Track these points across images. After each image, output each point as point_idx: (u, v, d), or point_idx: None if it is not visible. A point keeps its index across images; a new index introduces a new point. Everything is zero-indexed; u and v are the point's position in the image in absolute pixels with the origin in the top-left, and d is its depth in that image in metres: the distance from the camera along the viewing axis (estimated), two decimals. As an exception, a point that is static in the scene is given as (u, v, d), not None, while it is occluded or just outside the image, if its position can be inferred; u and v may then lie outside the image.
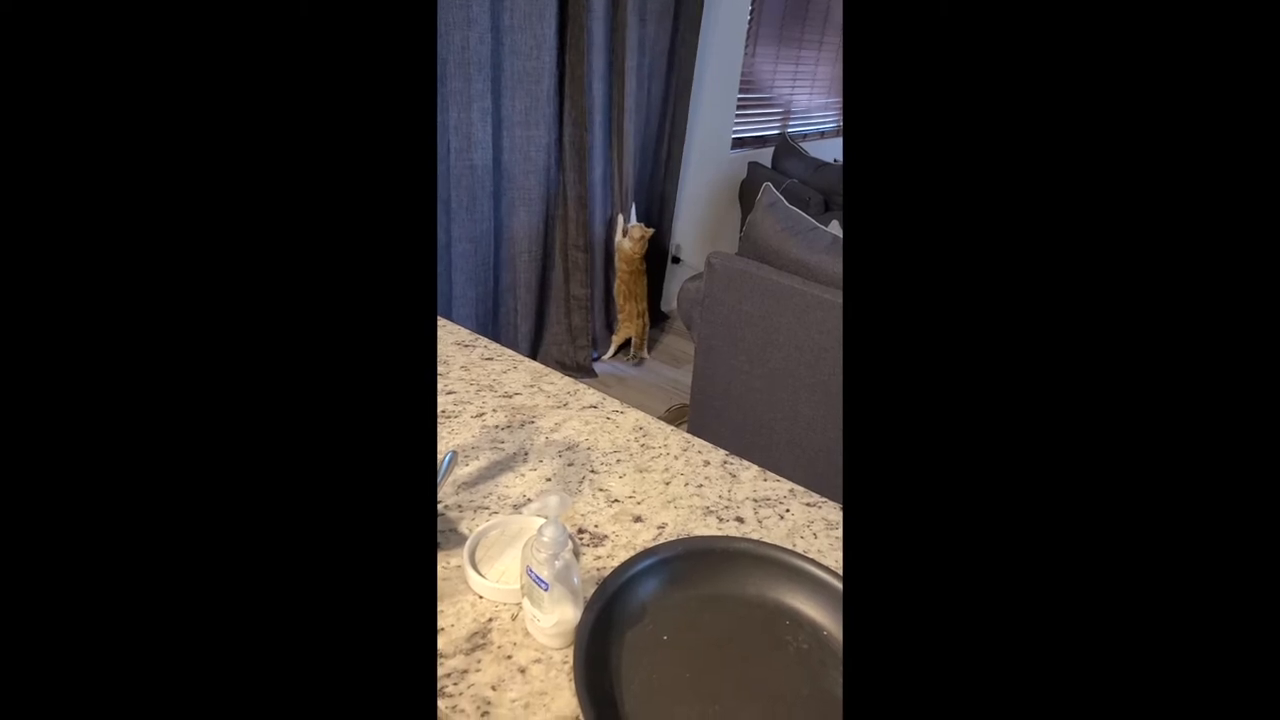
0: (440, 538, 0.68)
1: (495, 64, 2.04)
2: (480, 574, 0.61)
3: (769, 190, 1.61)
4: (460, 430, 0.86)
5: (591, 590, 0.58)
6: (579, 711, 0.51)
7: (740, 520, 0.75)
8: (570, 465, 0.82)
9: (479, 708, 0.52)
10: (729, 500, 0.78)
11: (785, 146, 3.28)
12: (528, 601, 0.57)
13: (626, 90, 2.41)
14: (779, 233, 1.54)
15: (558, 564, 0.54)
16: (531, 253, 2.41)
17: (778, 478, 0.83)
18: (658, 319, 3.12)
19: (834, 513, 0.78)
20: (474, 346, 1.08)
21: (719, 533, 0.73)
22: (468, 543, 0.64)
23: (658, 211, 2.94)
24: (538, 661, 0.56)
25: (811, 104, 3.85)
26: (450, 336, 1.11)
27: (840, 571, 0.64)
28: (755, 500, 0.79)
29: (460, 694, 0.52)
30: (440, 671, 0.54)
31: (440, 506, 0.72)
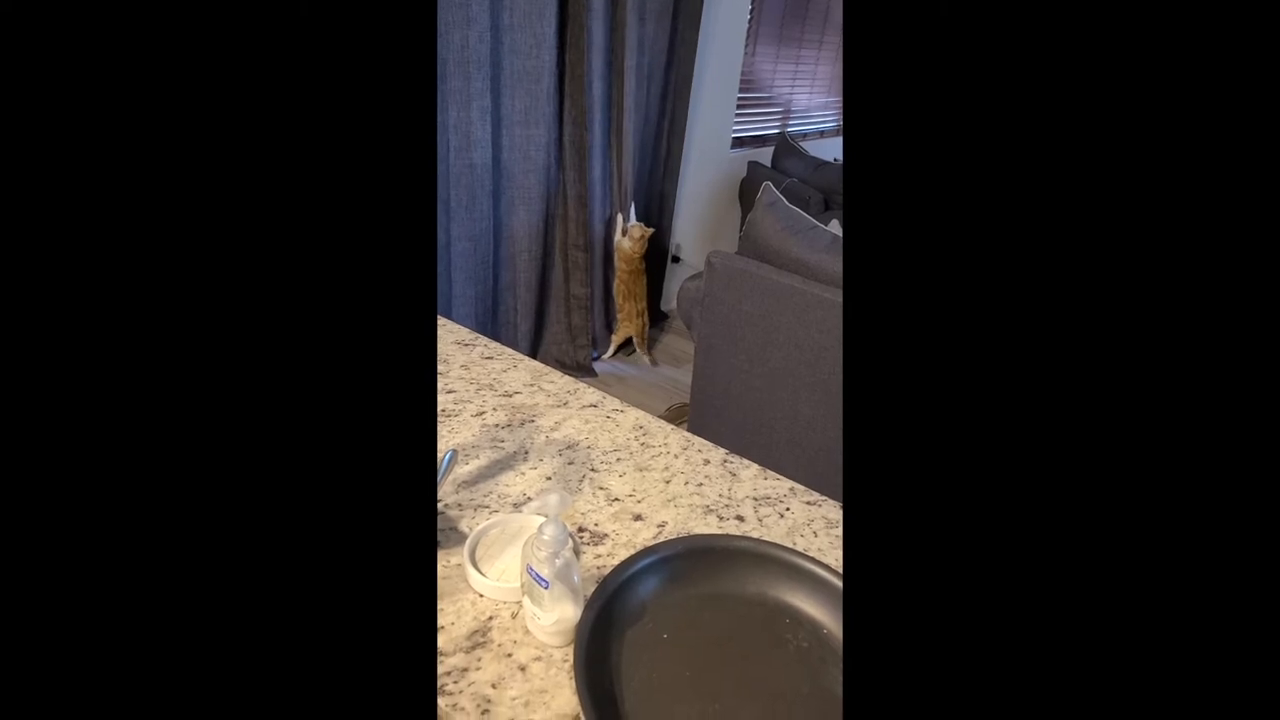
0: (440, 536, 0.68)
1: (495, 63, 2.03)
2: (480, 572, 0.61)
3: (769, 189, 1.61)
4: (460, 429, 0.86)
5: (592, 589, 0.58)
6: (579, 709, 0.51)
7: (740, 519, 0.75)
8: (570, 464, 0.82)
9: (479, 706, 0.52)
10: (729, 499, 0.78)
11: (785, 145, 3.28)
12: (528, 600, 0.57)
13: (626, 89, 2.41)
14: (779, 232, 1.54)
15: (558, 562, 0.54)
16: (531, 252, 2.41)
17: (778, 476, 0.83)
18: (657, 318, 3.12)
19: (834, 511, 0.78)
20: (474, 345, 1.08)
21: (719, 531, 0.73)
22: (468, 541, 0.64)
23: (657, 210, 2.94)
24: (538, 660, 0.56)
25: (811, 103, 3.85)
26: (450, 335, 1.11)
27: (840, 570, 0.64)
28: (755, 499, 0.79)
29: (460, 692, 0.52)
30: (440, 670, 0.54)
31: (440, 505, 0.72)
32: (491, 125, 2.09)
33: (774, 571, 0.64)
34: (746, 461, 0.86)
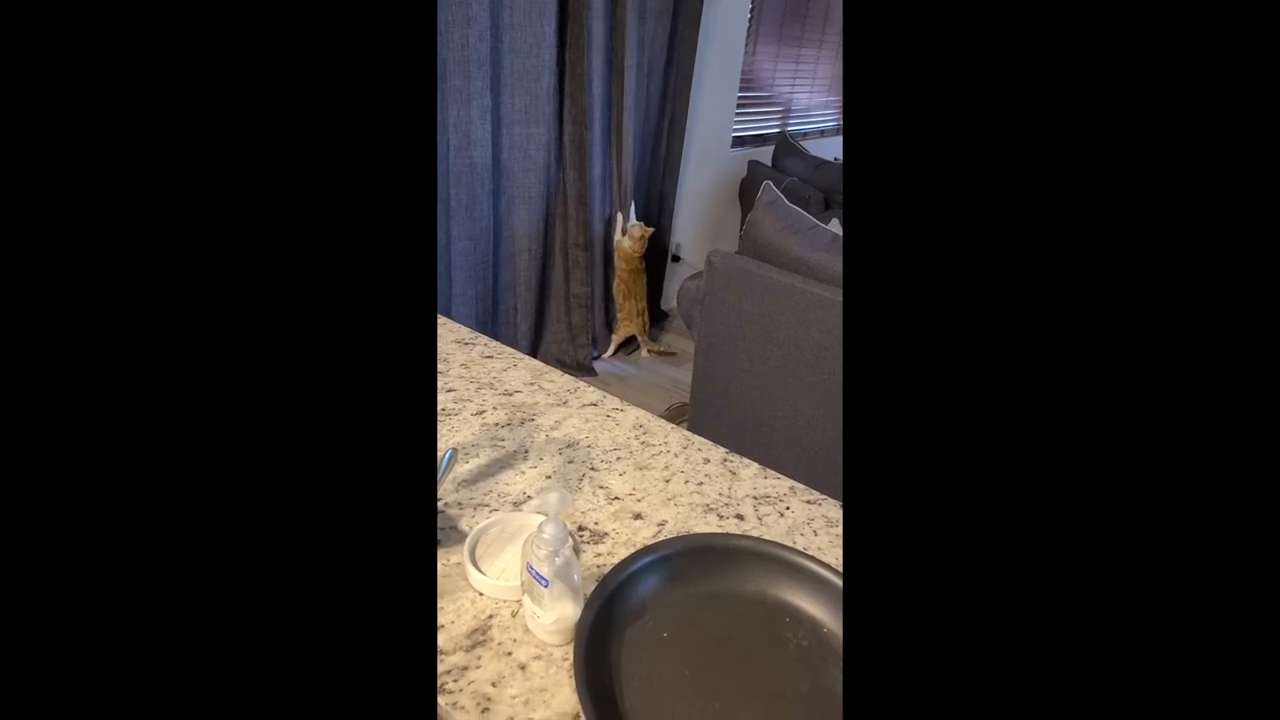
0: (440, 535, 0.68)
1: (495, 61, 2.03)
2: (480, 571, 0.61)
3: (769, 188, 1.61)
4: (460, 428, 0.86)
5: (591, 587, 0.58)
6: (579, 708, 0.51)
7: (740, 517, 0.75)
8: (570, 463, 0.82)
9: (479, 704, 0.52)
10: (729, 497, 0.78)
11: (785, 145, 3.28)
12: (528, 598, 0.57)
13: (626, 88, 2.41)
14: (779, 231, 1.54)
15: (558, 561, 0.54)
16: (531, 251, 2.41)
17: (778, 475, 0.83)
18: (657, 317, 3.12)
19: (834, 510, 0.78)
20: (474, 344, 1.08)
21: (719, 530, 0.73)
22: (468, 540, 0.64)
23: (657, 210, 2.94)
24: (538, 658, 0.56)
25: (812, 102, 3.85)
26: (450, 334, 1.11)
27: (840, 569, 0.64)
28: (755, 498, 0.79)
29: (460, 691, 0.53)
30: (440, 668, 0.54)
31: (440, 504, 0.72)
32: (491, 124, 2.09)
33: (774, 570, 0.64)
34: (746, 460, 0.86)
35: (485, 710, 0.51)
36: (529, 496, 0.75)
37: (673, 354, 2.81)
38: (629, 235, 2.60)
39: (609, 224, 2.64)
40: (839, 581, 0.62)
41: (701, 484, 0.80)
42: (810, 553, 0.68)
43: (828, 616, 0.61)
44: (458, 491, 0.74)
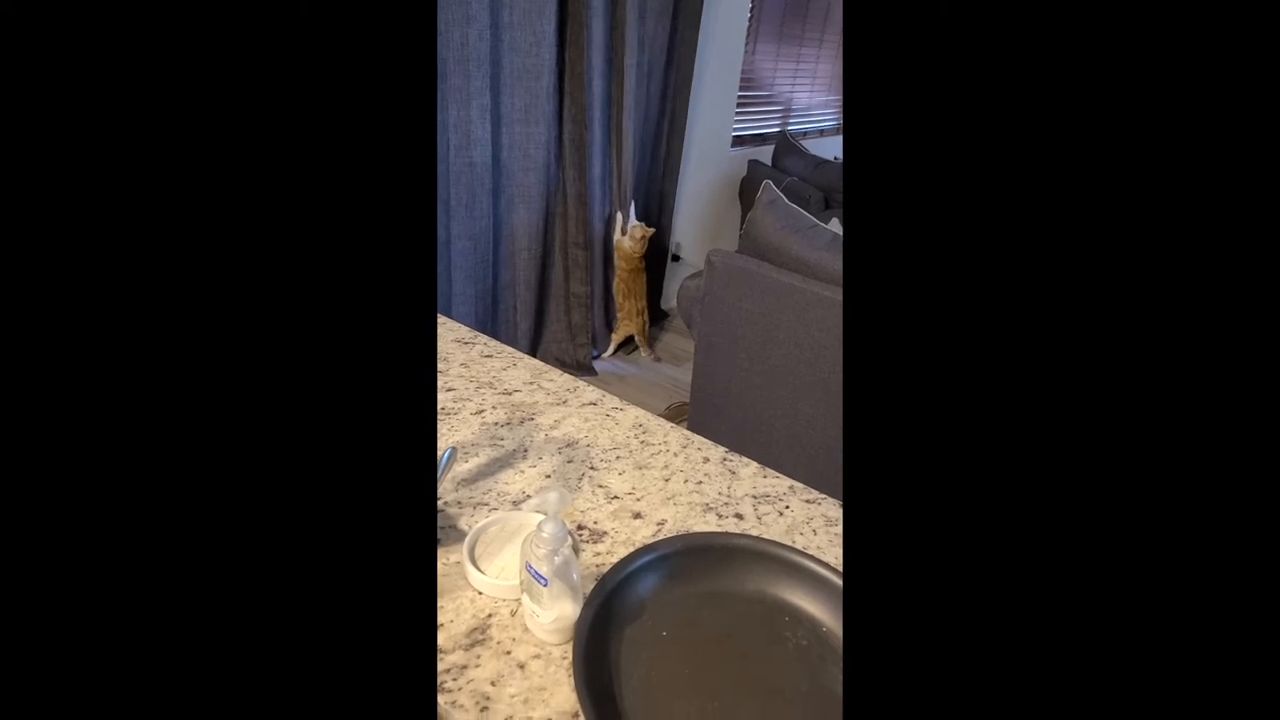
0: (440, 534, 0.68)
1: (494, 61, 2.03)
2: (480, 570, 0.61)
3: (769, 188, 1.61)
4: (460, 427, 0.86)
5: (591, 586, 0.58)
6: (578, 707, 0.51)
7: (740, 517, 0.75)
8: (570, 462, 0.82)
9: (478, 703, 0.52)
10: (728, 497, 0.78)
11: (785, 144, 3.28)
12: (527, 597, 0.57)
13: (626, 87, 2.41)
14: (779, 230, 1.54)
15: (557, 560, 0.54)
16: (531, 250, 2.41)
17: (777, 474, 0.83)
18: (657, 317, 3.12)
19: (833, 509, 0.78)
20: (473, 344, 1.08)
21: (718, 529, 0.73)
22: (467, 539, 0.64)
23: (657, 209, 2.94)
24: (537, 657, 0.56)
25: (812, 101, 3.85)
26: (450, 334, 1.11)
27: (839, 568, 0.64)
28: (755, 497, 0.79)
29: (460, 689, 0.53)
30: (440, 667, 0.54)
31: (440, 503, 0.72)
32: (491, 123, 2.09)
33: (773, 569, 0.64)
34: (746, 459, 0.86)
35: (484, 709, 0.51)
36: (528, 495, 0.75)
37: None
38: (630, 236, 2.60)
39: (609, 223, 2.64)
40: (838, 580, 0.62)
41: (701, 483, 0.80)
42: (810, 552, 0.68)
43: (827, 615, 0.61)
44: (457, 490, 0.74)
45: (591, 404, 0.95)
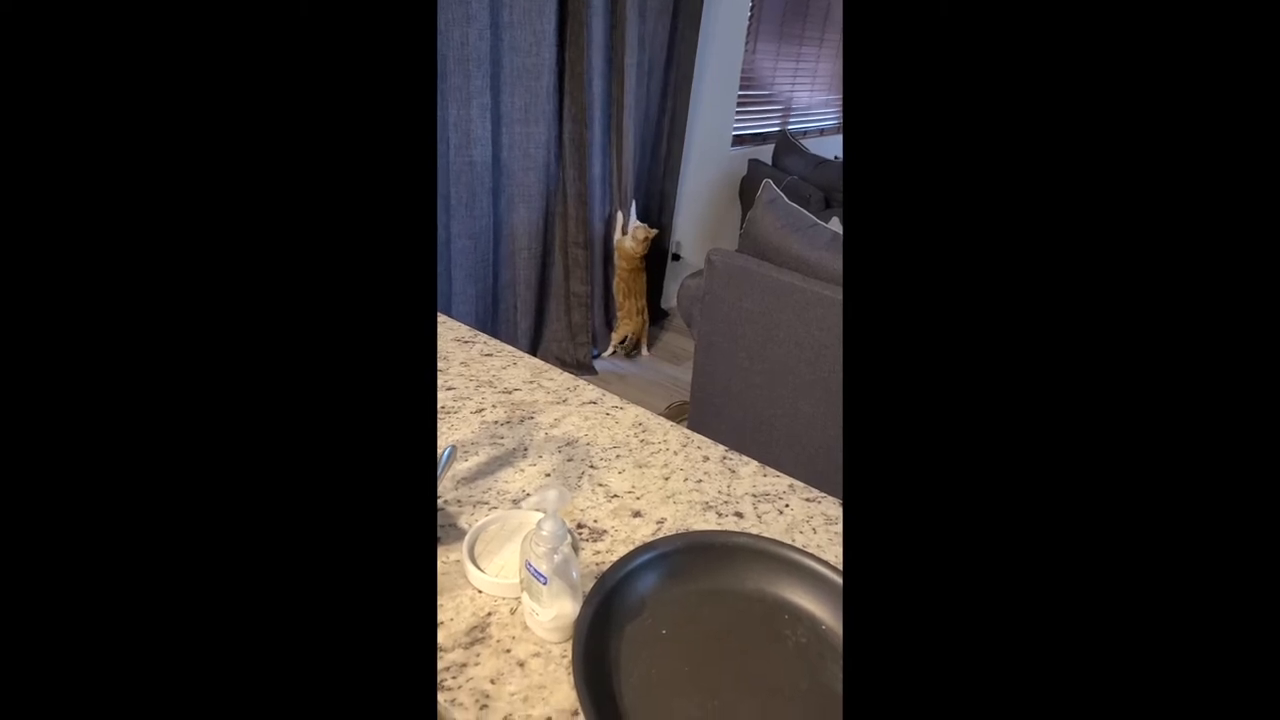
0: (440, 532, 0.68)
1: (495, 60, 2.03)
2: (479, 568, 0.61)
3: (769, 187, 1.61)
4: (460, 426, 0.86)
5: (590, 585, 0.59)
6: (577, 705, 0.51)
7: (739, 515, 0.75)
8: (569, 460, 0.82)
9: (478, 701, 0.52)
10: (728, 495, 0.78)
11: (785, 143, 3.28)
12: (526, 596, 0.57)
13: (626, 87, 2.41)
14: (779, 229, 1.54)
15: (556, 558, 0.54)
16: (531, 249, 2.41)
17: (777, 473, 0.83)
18: (658, 316, 3.12)
19: (833, 508, 0.78)
20: (473, 343, 1.08)
21: (718, 527, 0.73)
22: (467, 537, 0.64)
23: (657, 208, 2.94)
24: (536, 655, 0.56)
25: (812, 101, 3.85)
26: (450, 333, 1.11)
27: (839, 566, 0.64)
28: (754, 495, 0.79)
29: (459, 687, 0.53)
30: (440, 665, 0.54)
31: (439, 501, 0.72)
32: (491, 123, 2.09)
33: (773, 567, 0.64)
34: (746, 458, 0.86)
35: (484, 707, 0.51)
36: (528, 494, 0.75)
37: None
38: (632, 236, 2.60)
39: (609, 223, 2.64)
40: (838, 579, 0.62)
41: (700, 482, 0.80)
42: (809, 550, 0.68)
43: (826, 614, 0.61)
44: (457, 489, 0.75)
45: (591, 403, 0.95)
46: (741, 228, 1.69)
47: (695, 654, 0.57)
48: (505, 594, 0.61)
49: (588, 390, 0.98)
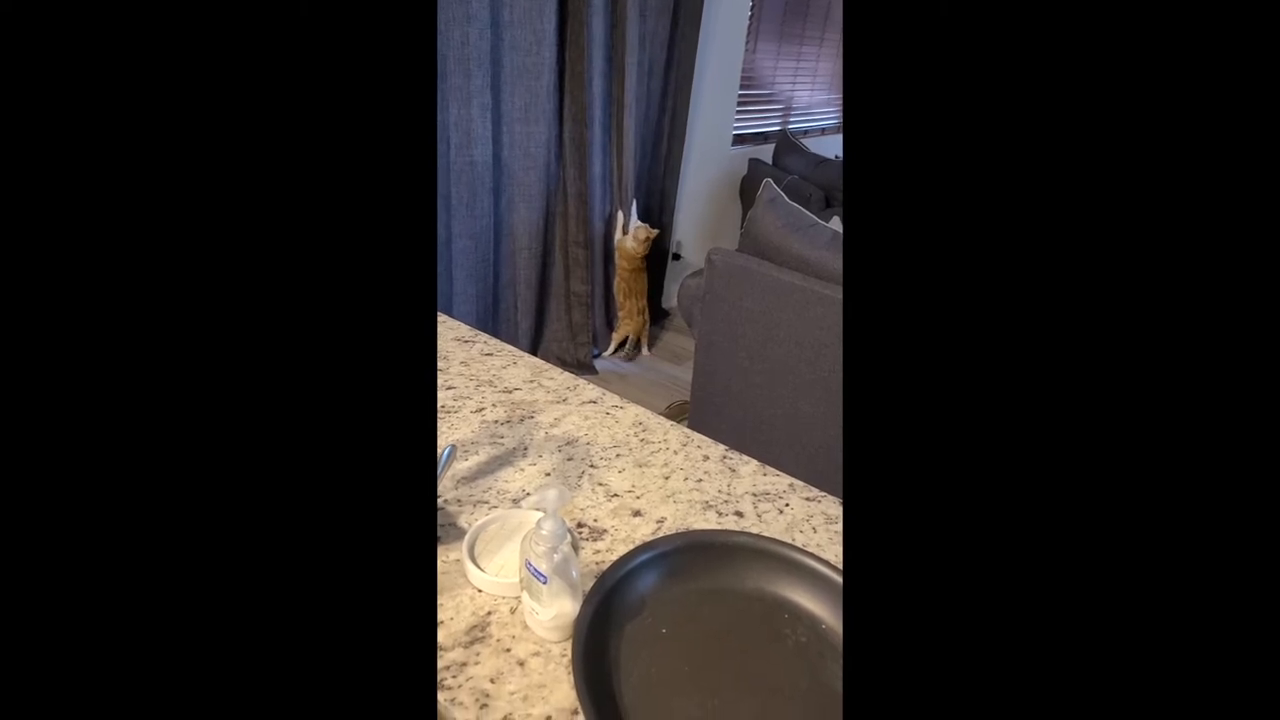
0: (440, 532, 0.68)
1: (495, 59, 2.03)
2: (479, 567, 0.62)
3: (769, 186, 1.61)
4: (460, 425, 0.86)
5: (590, 584, 0.59)
6: (577, 704, 0.51)
7: (739, 514, 0.75)
8: (569, 460, 0.82)
9: (478, 700, 0.52)
10: (728, 495, 0.78)
11: (786, 143, 3.28)
12: (526, 595, 0.57)
13: (626, 86, 2.41)
14: (779, 229, 1.54)
15: (556, 557, 0.54)
16: (531, 249, 2.41)
17: (777, 473, 0.83)
18: (658, 316, 3.12)
19: (833, 507, 0.78)
20: (474, 342, 1.08)
21: (718, 527, 0.73)
22: (467, 536, 0.64)
23: (658, 208, 2.94)
24: (536, 654, 0.56)
25: (812, 100, 3.85)
26: (450, 332, 1.11)
27: (839, 565, 0.64)
28: (754, 495, 0.79)
29: (459, 686, 0.53)
30: (440, 664, 0.54)
31: (439, 501, 0.72)
32: (492, 122, 2.09)
33: (773, 567, 0.64)
34: (746, 458, 0.86)
35: (484, 706, 0.51)
36: (528, 493, 0.75)
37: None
38: (633, 236, 2.59)
39: (609, 222, 2.64)
40: (838, 578, 0.62)
41: (701, 481, 0.80)
42: (809, 550, 0.68)
43: (826, 613, 0.61)
44: (457, 488, 0.75)
45: (591, 402, 0.95)
46: (742, 227, 1.69)
47: (695, 653, 0.57)
48: (505, 593, 0.61)
49: (588, 389, 0.98)
